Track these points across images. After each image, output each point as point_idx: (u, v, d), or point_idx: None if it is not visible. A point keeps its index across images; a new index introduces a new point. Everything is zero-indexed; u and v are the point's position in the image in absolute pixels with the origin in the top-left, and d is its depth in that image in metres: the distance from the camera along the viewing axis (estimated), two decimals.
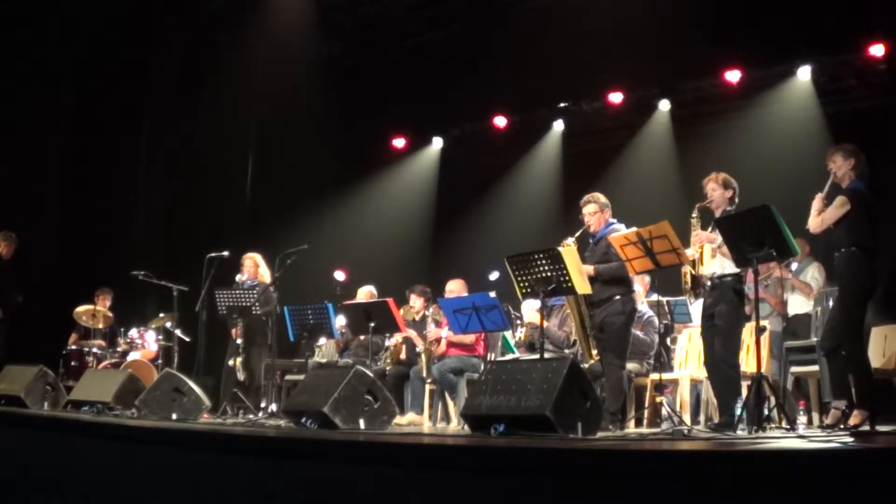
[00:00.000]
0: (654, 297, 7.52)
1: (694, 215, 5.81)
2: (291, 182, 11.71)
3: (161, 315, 9.86)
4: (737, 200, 5.78)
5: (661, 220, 5.63)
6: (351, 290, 9.33)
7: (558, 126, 11.54)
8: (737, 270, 5.56)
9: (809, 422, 6.63)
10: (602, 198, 6.36)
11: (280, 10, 11.32)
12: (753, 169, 8.88)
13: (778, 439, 4.54)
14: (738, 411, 5.35)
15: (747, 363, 6.23)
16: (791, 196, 6.55)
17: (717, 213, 5.74)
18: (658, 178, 10.32)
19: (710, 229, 5.76)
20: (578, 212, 6.41)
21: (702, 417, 6.76)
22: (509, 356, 7.54)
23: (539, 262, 5.71)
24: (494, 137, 11.88)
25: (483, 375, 5.51)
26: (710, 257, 5.65)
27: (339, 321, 7.94)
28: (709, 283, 5.68)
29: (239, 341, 7.93)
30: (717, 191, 5.76)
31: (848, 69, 9.45)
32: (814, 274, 7.66)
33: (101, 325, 9.71)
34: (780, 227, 5.13)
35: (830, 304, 6.27)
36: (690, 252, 5.67)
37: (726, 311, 5.58)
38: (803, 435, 4.99)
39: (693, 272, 5.68)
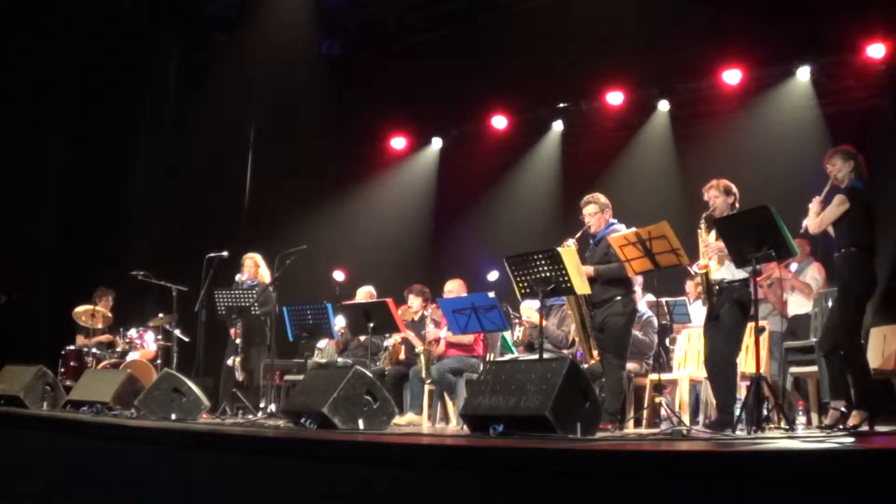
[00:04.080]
0: (650, 297, 7.55)
1: (702, 226, 5.80)
2: (291, 182, 11.71)
3: (160, 315, 9.84)
4: (737, 206, 5.77)
5: (660, 221, 5.63)
6: (350, 291, 9.33)
7: (558, 126, 11.53)
8: (745, 276, 5.55)
9: (808, 422, 6.64)
10: (602, 198, 6.36)
11: (280, 11, 11.33)
12: (753, 169, 8.89)
13: (777, 440, 4.53)
14: (738, 411, 5.35)
15: (746, 363, 6.23)
16: (790, 196, 6.55)
17: None
18: (657, 179, 10.32)
19: (706, 229, 5.76)
20: (578, 212, 6.41)
21: (701, 418, 6.76)
22: (508, 356, 7.54)
23: (538, 263, 5.71)
24: (494, 137, 11.88)
25: (482, 376, 5.51)
26: (718, 264, 5.65)
27: (339, 321, 7.94)
28: (717, 288, 5.68)
29: (238, 341, 7.93)
30: (719, 198, 5.76)
31: (847, 69, 9.46)
32: (813, 274, 7.66)
33: (100, 326, 9.70)
34: (780, 228, 5.13)
35: (830, 304, 6.27)
36: (703, 262, 5.66)
37: (729, 310, 5.59)
38: (802, 435, 4.99)
39: (708, 280, 5.66)
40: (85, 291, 9.86)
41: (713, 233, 5.71)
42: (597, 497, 3.27)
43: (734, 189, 5.80)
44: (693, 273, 5.86)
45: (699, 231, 5.78)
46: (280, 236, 9.62)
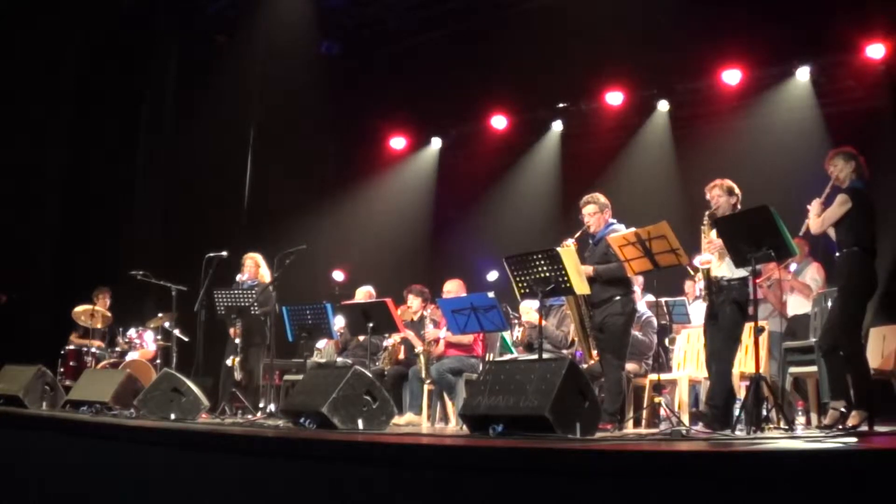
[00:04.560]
0: (649, 297, 7.55)
1: (705, 223, 5.80)
2: (290, 182, 11.72)
3: (160, 315, 9.85)
4: (739, 206, 5.78)
5: (659, 221, 5.63)
6: (349, 291, 9.33)
7: (557, 126, 11.55)
8: (745, 274, 5.55)
9: (808, 422, 6.64)
10: (602, 198, 6.36)
11: (280, 11, 11.33)
12: (752, 169, 8.90)
13: (776, 440, 4.54)
14: (737, 411, 5.35)
15: (746, 363, 6.23)
16: (790, 197, 6.56)
17: None
18: (657, 179, 10.32)
19: (709, 227, 5.76)
20: (578, 212, 6.41)
21: None
22: (507, 356, 7.54)
23: (537, 263, 5.71)
24: (493, 137, 11.89)
25: (481, 376, 5.51)
26: (719, 260, 5.66)
27: (338, 321, 7.94)
28: (715, 286, 5.68)
29: (237, 341, 7.93)
30: (722, 198, 5.77)
31: (847, 69, 9.47)
32: (812, 275, 7.66)
33: (99, 325, 9.70)
34: (779, 228, 5.13)
35: (829, 304, 6.28)
36: (705, 258, 5.66)
37: (727, 311, 5.59)
38: (801, 435, 4.99)
39: (710, 277, 5.66)
40: (84, 291, 9.88)
41: (715, 231, 5.72)
42: (596, 497, 3.27)
43: (737, 189, 5.81)
44: (695, 267, 5.86)
45: (703, 228, 5.79)
46: (280, 236, 9.61)
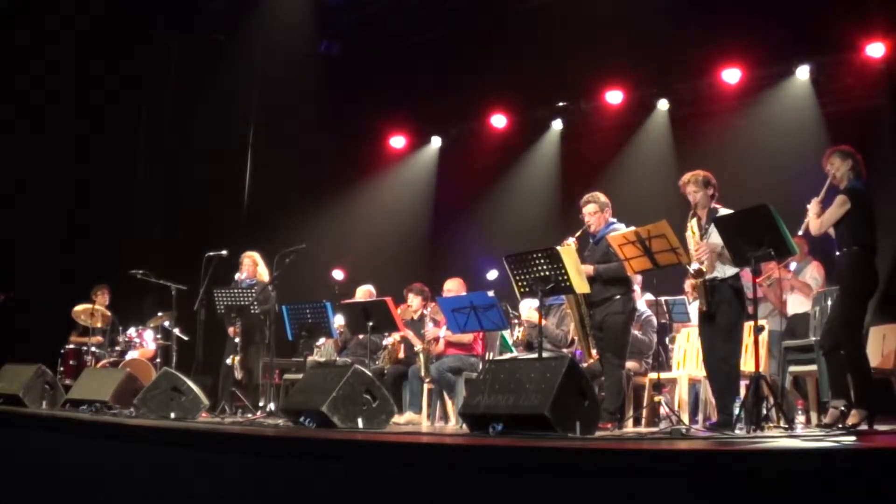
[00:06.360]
0: (649, 296, 7.54)
1: (691, 227, 5.77)
2: (290, 181, 11.72)
3: (159, 314, 9.85)
4: (717, 195, 5.75)
5: (659, 220, 5.62)
6: (349, 289, 9.34)
7: (557, 125, 11.54)
8: (735, 271, 5.55)
9: (808, 421, 6.64)
10: (602, 197, 6.35)
11: (279, 10, 11.33)
12: (752, 168, 8.91)
13: (776, 439, 4.54)
14: (737, 411, 5.35)
15: (746, 362, 6.23)
16: (789, 195, 6.54)
17: (703, 213, 5.72)
18: (656, 178, 10.30)
19: (699, 228, 5.73)
20: (578, 211, 6.40)
21: (700, 417, 6.76)
22: (507, 355, 7.54)
23: (537, 262, 5.71)
24: (493, 136, 11.89)
25: (481, 375, 5.51)
26: (710, 266, 5.63)
27: (338, 320, 7.95)
28: (709, 285, 5.67)
29: (237, 340, 7.93)
30: (698, 192, 5.72)
31: (847, 69, 9.46)
32: (812, 274, 7.66)
33: (99, 325, 9.70)
34: (779, 227, 5.13)
35: (829, 303, 6.28)
36: (696, 267, 5.61)
37: (726, 309, 5.57)
38: (801, 434, 4.99)
39: (705, 283, 5.62)
40: (84, 291, 9.87)
41: (695, 234, 5.69)
42: (596, 496, 3.27)
43: (713, 180, 5.74)
44: (690, 282, 5.81)
45: (687, 235, 5.75)
46: (279, 236, 9.61)
